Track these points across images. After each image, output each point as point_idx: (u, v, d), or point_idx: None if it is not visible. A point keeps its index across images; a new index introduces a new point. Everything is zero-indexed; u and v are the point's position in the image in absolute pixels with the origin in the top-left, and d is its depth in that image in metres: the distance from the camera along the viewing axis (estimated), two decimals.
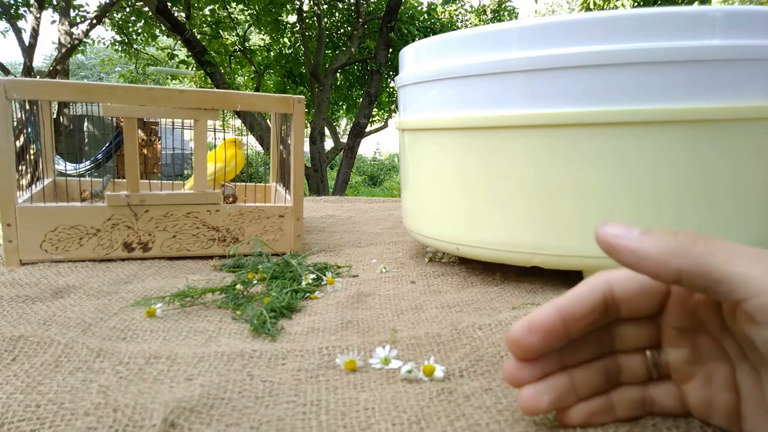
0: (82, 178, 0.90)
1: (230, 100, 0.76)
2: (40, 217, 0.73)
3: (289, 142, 0.84)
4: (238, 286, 0.63)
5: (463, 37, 0.65)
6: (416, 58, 0.72)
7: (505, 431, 0.35)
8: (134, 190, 0.75)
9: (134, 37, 6.77)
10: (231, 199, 0.89)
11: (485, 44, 0.63)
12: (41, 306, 0.59)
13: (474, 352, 0.49)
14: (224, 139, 0.97)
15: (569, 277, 0.69)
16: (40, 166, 0.90)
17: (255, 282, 0.66)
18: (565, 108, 0.59)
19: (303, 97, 0.81)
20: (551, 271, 0.71)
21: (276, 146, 0.98)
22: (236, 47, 6.64)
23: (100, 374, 0.44)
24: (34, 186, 0.84)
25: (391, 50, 5.09)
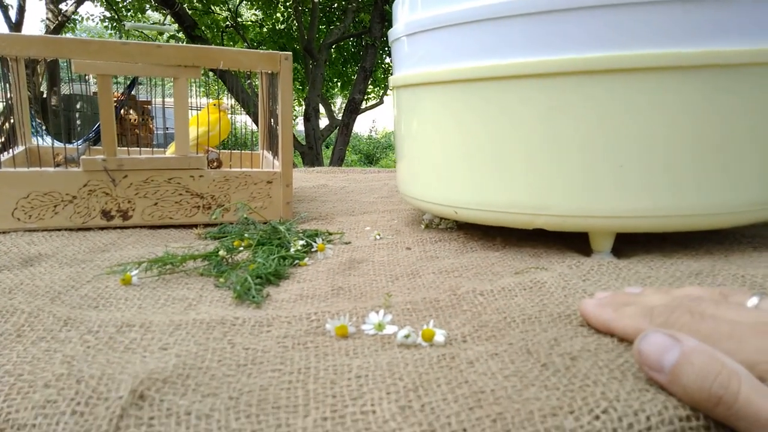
0: (56, 145, 0.85)
1: (211, 56, 0.71)
2: (11, 183, 0.69)
3: (276, 107, 0.80)
4: (221, 252, 0.59)
5: None
6: (410, 8, 0.67)
7: (513, 397, 0.31)
8: (111, 154, 0.71)
9: (124, 13, 6.61)
10: (215, 164, 0.85)
11: None
12: (8, 275, 0.55)
13: (476, 317, 0.45)
14: (207, 104, 0.92)
15: (573, 241, 0.65)
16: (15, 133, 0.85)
17: (241, 249, 0.62)
18: (568, 54, 0.54)
19: (290, 53, 0.76)
20: (555, 235, 0.67)
21: (264, 110, 0.93)
22: (228, 22, 6.50)
23: (65, 344, 0.40)
24: (6, 153, 0.79)
25: (386, 24, 4.97)
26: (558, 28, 0.54)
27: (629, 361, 0.36)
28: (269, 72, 0.79)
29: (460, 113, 0.62)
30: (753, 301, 0.36)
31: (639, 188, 0.54)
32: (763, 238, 0.65)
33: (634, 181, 0.54)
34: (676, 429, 0.29)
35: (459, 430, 0.29)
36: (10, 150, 0.82)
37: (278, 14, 6.74)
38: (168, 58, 0.70)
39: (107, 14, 6.75)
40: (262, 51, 0.75)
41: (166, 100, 0.82)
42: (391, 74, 0.74)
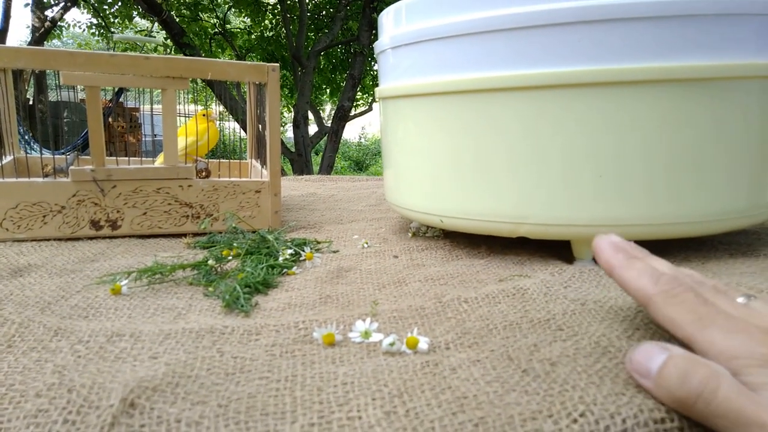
0: (45, 155, 0.85)
1: (200, 67, 0.72)
2: (0, 193, 0.69)
3: (265, 115, 0.80)
4: (210, 262, 0.60)
5: None
6: (395, 22, 0.69)
7: (495, 402, 0.33)
8: (100, 165, 0.71)
9: (111, 20, 6.59)
10: (204, 173, 0.85)
11: (467, 2, 0.59)
12: None
13: (460, 325, 0.46)
14: (196, 114, 0.93)
15: (556, 249, 0.67)
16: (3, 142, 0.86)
17: (230, 258, 0.63)
18: (550, 68, 0.56)
19: (278, 65, 0.77)
20: (538, 243, 0.69)
21: (252, 119, 0.93)
22: (216, 30, 6.50)
23: (56, 354, 0.41)
24: None
25: (374, 32, 5.01)
26: (539, 42, 0.56)
27: (606, 366, 0.37)
28: (257, 83, 0.80)
29: (444, 124, 0.63)
30: (741, 300, 0.37)
31: (617, 198, 0.56)
32: (739, 245, 0.67)
33: (613, 190, 0.56)
34: (651, 431, 0.31)
35: None
36: None
37: (266, 21, 6.75)
38: (156, 69, 0.71)
39: (94, 21, 6.72)
40: (249, 63, 0.76)
41: (154, 107, 0.82)
42: (377, 85, 0.75)
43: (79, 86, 0.70)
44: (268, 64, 0.76)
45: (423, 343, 0.41)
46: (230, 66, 0.75)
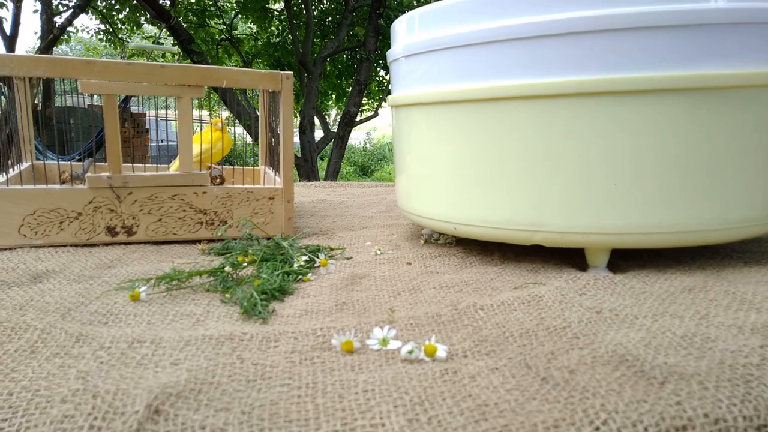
0: (62, 162, 0.86)
1: (215, 75, 0.73)
2: (17, 200, 0.70)
3: (276, 125, 0.81)
4: (227, 269, 0.60)
5: (458, 4, 0.62)
6: (408, 30, 0.69)
7: (517, 410, 0.33)
8: (116, 172, 0.72)
9: (119, 26, 6.63)
10: (218, 180, 0.86)
11: (481, 11, 0.60)
12: (18, 291, 0.56)
13: (477, 332, 0.46)
14: (210, 122, 0.94)
15: (569, 257, 0.67)
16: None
17: (245, 265, 0.64)
18: (566, 77, 0.56)
19: (291, 73, 0.78)
20: (552, 250, 0.69)
21: (264, 127, 0.94)
22: (223, 36, 6.54)
23: (79, 359, 0.42)
24: (11, 170, 0.80)
25: (380, 38, 5.03)
26: (555, 51, 0.56)
27: (625, 374, 0.37)
28: (270, 90, 0.81)
29: (459, 133, 0.64)
30: None
31: (633, 206, 0.56)
32: (753, 253, 0.67)
33: (629, 199, 0.56)
34: None
35: None
36: (16, 167, 0.83)
37: (273, 28, 6.79)
38: (172, 78, 0.72)
39: (102, 27, 6.76)
40: (263, 71, 0.77)
41: (161, 112, 0.83)
42: (389, 93, 0.76)
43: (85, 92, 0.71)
44: (282, 72, 0.77)
45: (441, 351, 0.42)
46: (244, 74, 0.76)
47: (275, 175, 0.88)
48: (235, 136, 1.03)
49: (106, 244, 0.74)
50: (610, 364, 0.39)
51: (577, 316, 0.48)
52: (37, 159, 0.91)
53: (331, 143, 5.55)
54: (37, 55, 0.66)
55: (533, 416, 0.32)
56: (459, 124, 0.64)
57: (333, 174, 5.20)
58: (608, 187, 0.56)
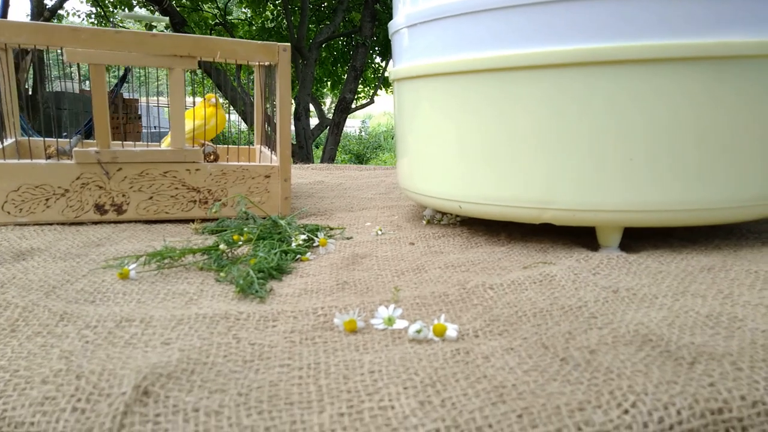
0: (47, 138, 0.82)
1: (208, 45, 0.69)
2: (0, 175, 0.66)
3: (272, 112, 0.78)
4: (221, 246, 0.57)
5: None
6: None
7: (537, 392, 0.30)
8: (105, 146, 0.69)
9: (110, 9, 6.52)
10: (212, 157, 0.83)
11: None
12: None
13: (487, 312, 0.44)
14: (204, 98, 0.90)
15: (579, 236, 0.64)
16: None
17: (240, 243, 0.61)
18: (577, 45, 0.53)
19: (288, 45, 0.74)
20: (561, 230, 0.67)
21: (260, 104, 0.91)
22: (217, 20, 6.44)
23: (62, 339, 0.39)
24: None
25: (376, 23, 4.96)
26: (565, 18, 0.53)
27: (651, 354, 0.35)
28: (266, 64, 0.77)
29: (465, 105, 0.61)
30: None
31: (648, 182, 0.54)
32: None
33: (643, 174, 0.53)
34: (708, 422, 0.28)
35: (484, 425, 0.28)
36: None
37: (267, 12, 6.70)
38: (163, 47, 0.68)
39: (93, 10, 6.65)
40: (259, 42, 0.73)
41: (154, 99, 0.79)
42: (385, 80, 0.72)
43: (77, 76, 0.67)
44: (279, 43, 0.73)
45: (451, 331, 0.39)
46: (239, 45, 0.72)
47: (271, 153, 0.85)
48: (229, 122, 1.00)
49: (95, 223, 0.71)
50: (632, 344, 0.36)
51: (592, 295, 0.45)
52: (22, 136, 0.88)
53: (327, 130, 5.50)
54: (20, 21, 0.63)
55: (555, 398, 0.30)
56: (465, 96, 0.61)
57: (328, 161, 5.16)
58: (622, 163, 0.54)
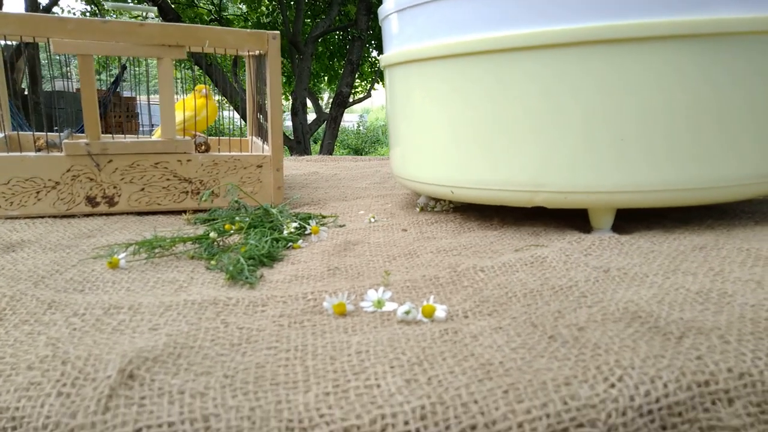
0: (37, 132, 0.82)
1: (197, 34, 0.69)
2: None
3: (263, 103, 0.77)
4: (212, 235, 0.57)
5: None
6: None
7: (523, 369, 0.30)
8: (95, 138, 0.68)
9: (105, 6, 6.49)
10: (203, 147, 0.82)
11: None
12: None
13: (477, 293, 0.43)
14: (194, 89, 0.90)
15: (572, 220, 0.64)
16: None
17: (232, 232, 0.60)
18: (566, 24, 0.53)
19: (278, 33, 0.74)
20: (553, 214, 0.66)
21: (251, 94, 0.90)
22: (212, 16, 6.42)
23: (50, 326, 0.38)
24: None
25: (372, 16, 4.94)
26: None
27: (639, 330, 0.34)
28: (257, 53, 0.77)
29: (456, 89, 0.60)
30: None
31: (640, 162, 0.53)
32: (764, 213, 0.64)
33: (636, 154, 0.53)
34: (695, 395, 0.28)
35: (470, 401, 0.27)
36: None
37: (263, 8, 6.67)
38: (151, 37, 0.67)
39: (88, 8, 6.63)
40: (248, 30, 0.73)
41: (152, 97, 0.79)
42: (381, 74, 0.72)
43: (74, 76, 0.67)
44: (268, 31, 0.73)
45: (440, 311, 0.39)
46: (228, 33, 0.72)
47: (263, 143, 0.85)
48: (222, 116, 0.99)
49: (87, 215, 0.71)
50: (621, 321, 0.36)
51: (583, 275, 0.45)
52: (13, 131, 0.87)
53: (324, 125, 5.49)
54: (5, 11, 0.62)
55: (542, 374, 0.30)
56: (455, 80, 0.60)
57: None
58: (614, 143, 0.53)
